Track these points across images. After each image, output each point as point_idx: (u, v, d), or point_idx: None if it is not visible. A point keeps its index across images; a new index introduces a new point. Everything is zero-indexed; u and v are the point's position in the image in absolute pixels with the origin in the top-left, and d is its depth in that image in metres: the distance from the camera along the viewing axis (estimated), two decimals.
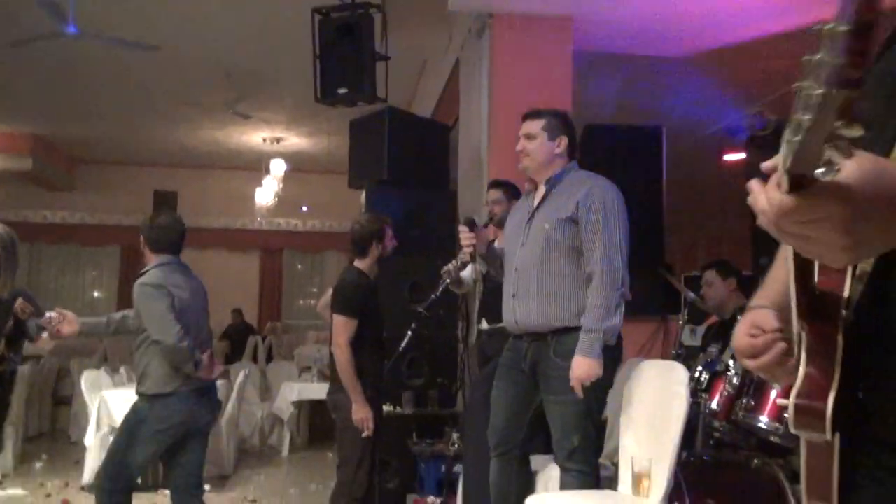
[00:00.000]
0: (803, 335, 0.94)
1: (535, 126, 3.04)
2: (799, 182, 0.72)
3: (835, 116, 0.67)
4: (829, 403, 0.88)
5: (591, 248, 2.86)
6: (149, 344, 3.35)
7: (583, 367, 2.74)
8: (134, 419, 3.41)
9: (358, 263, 3.73)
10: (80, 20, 5.41)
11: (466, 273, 3.91)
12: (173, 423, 3.36)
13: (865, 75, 0.65)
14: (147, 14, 6.21)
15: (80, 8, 5.35)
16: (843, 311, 0.90)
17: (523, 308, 2.94)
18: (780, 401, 0.97)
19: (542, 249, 2.93)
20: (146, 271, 3.54)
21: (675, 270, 5.48)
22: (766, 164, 0.77)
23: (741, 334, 1.04)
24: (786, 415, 2.64)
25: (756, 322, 1.03)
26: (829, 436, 0.89)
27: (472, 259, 3.38)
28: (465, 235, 3.19)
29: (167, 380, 3.33)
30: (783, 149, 0.73)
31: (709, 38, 5.34)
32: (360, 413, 3.49)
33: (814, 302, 0.92)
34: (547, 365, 2.88)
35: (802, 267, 0.90)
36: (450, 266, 3.37)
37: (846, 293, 0.92)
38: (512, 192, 3.82)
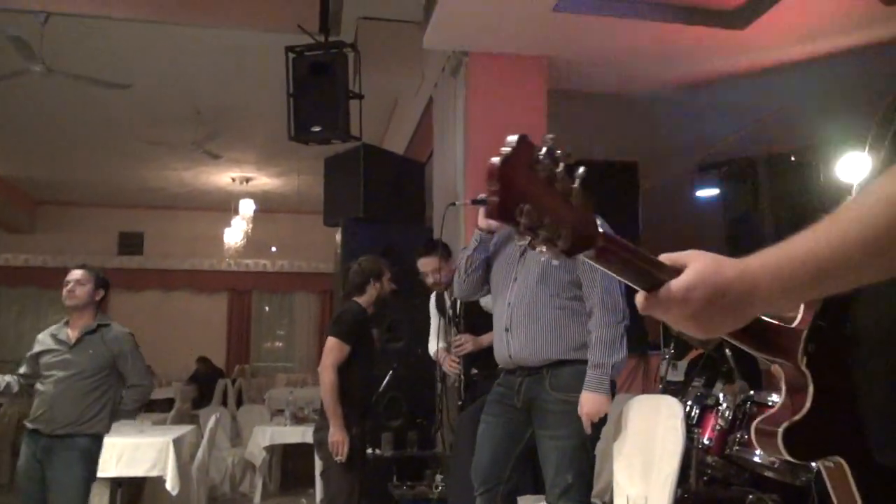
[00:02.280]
0: (781, 368, 1.04)
1: None
2: (647, 288, 0.91)
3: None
4: (781, 429, 0.98)
5: (590, 283, 2.83)
6: (109, 387, 3.62)
7: (591, 403, 2.69)
8: (90, 460, 3.55)
9: (357, 299, 3.75)
10: (49, 57, 5.32)
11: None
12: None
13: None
14: (116, 51, 6.15)
15: (49, 45, 5.27)
16: (802, 345, 1.00)
17: (517, 342, 2.89)
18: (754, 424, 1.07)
19: (537, 282, 2.89)
20: (108, 322, 3.80)
21: None
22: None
23: None
24: (760, 451, 2.62)
25: None
26: (786, 457, 0.99)
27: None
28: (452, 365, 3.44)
29: (105, 421, 3.62)
30: None
31: (680, 76, 5.43)
32: (336, 436, 3.47)
33: (772, 339, 1.02)
34: (543, 399, 2.82)
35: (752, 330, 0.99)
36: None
37: (804, 328, 1.02)
38: (448, 253, 3.82)
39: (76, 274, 3.76)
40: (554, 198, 0.85)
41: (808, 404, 0.97)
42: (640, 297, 0.92)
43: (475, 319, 3.74)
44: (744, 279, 0.90)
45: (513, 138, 0.85)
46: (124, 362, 3.66)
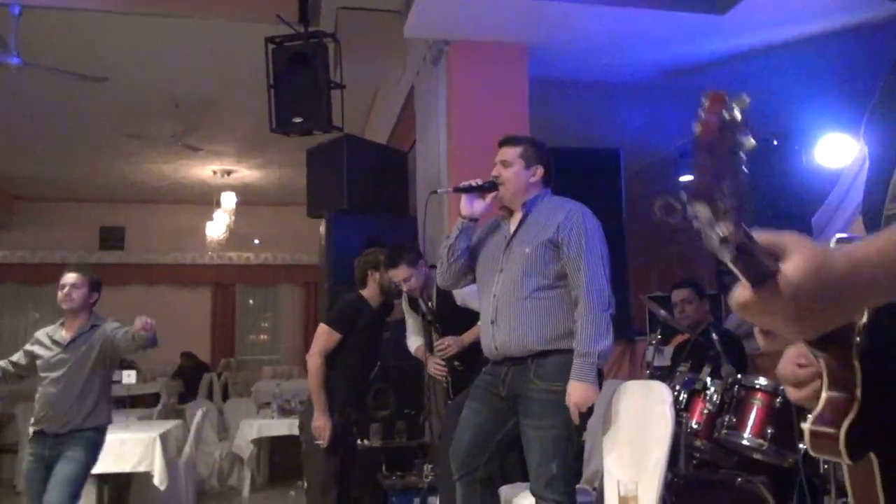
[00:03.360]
0: (822, 363, 0.96)
1: (512, 153, 3.02)
2: (759, 281, 0.78)
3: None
4: (843, 429, 0.90)
5: (576, 272, 2.83)
6: (104, 380, 3.77)
7: (579, 393, 2.70)
8: (95, 446, 3.68)
9: (361, 291, 3.84)
10: (24, 50, 5.23)
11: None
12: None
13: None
14: (93, 44, 6.07)
15: (24, 37, 5.18)
16: (857, 338, 0.92)
17: (503, 333, 2.89)
18: (804, 425, 0.98)
19: (522, 273, 2.89)
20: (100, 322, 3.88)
21: (633, 291, 5.50)
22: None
23: (788, 362, 1.04)
24: (768, 430, 2.64)
25: (803, 352, 1.03)
26: (846, 460, 0.91)
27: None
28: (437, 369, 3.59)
29: (104, 414, 3.75)
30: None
31: (658, 62, 5.44)
32: (319, 420, 3.51)
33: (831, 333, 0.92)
34: (528, 389, 2.83)
35: None
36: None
37: (863, 319, 0.93)
38: (416, 257, 3.81)
39: (71, 278, 3.78)
40: (737, 180, 0.71)
41: (858, 400, 0.91)
42: (745, 294, 0.79)
43: (452, 318, 3.73)
44: (858, 266, 0.81)
45: (716, 104, 0.71)
46: (113, 338, 3.77)
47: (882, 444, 0.91)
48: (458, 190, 3.10)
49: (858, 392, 0.91)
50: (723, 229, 0.71)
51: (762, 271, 0.77)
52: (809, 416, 0.97)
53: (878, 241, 0.83)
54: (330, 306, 3.77)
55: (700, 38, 5.03)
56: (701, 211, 0.70)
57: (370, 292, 3.80)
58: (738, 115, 0.72)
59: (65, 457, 3.63)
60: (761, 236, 0.78)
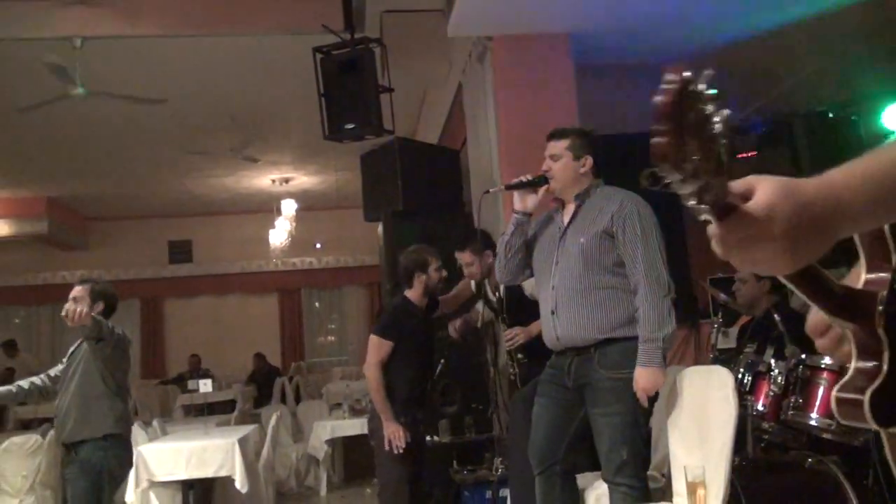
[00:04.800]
0: (850, 332, 0.97)
1: (559, 146, 3.04)
2: (724, 214, 0.81)
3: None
4: (867, 395, 0.92)
5: (633, 259, 2.84)
6: (103, 390, 3.72)
7: (646, 378, 2.72)
8: (90, 469, 3.65)
9: (407, 292, 3.82)
10: (87, 80, 5.48)
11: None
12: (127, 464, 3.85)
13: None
14: (151, 68, 6.29)
15: (86, 68, 5.42)
16: (880, 307, 0.94)
17: (564, 323, 2.93)
18: (833, 393, 1.00)
19: (579, 264, 2.92)
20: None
21: (696, 275, 5.43)
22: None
23: (816, 313, 1.05)
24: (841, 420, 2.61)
25: None
26: (872, 425, 0.93)
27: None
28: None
29: (112, 420, 3.71)
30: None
31: (705, 39, 5.34)
32: (389, 428, 3.54)
33: (847, 302, 0.96)
34: (593, 378, 2.86)
35: (810, 280, 0.92)
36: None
37: (885, 291, 0.95)
38: (482, 246, 3.84)
39: (74, 291, 3.90)
40: (704, 144, 0.76)
41: (885, 368, 0.92)
42: (714, 231, 0.82)
43: (521, 308, 3.76)
44: (827, 191, 0.82)
45: (674, 76, 0.76)
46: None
47: None
48: (510, 187, 3.14)
49: (885, 359, 0.92)
50: (687, 188, 0.76)
51: (727, 208, 0.80)
52: (838, 384, 0.99)
53: (852, 165, 0.84)
54: (378, 314, 3.82)
55: (748, 12, 4.93)
56: (667, 171, 0.76)
57: (415, 293, 3.80)
58: (700, 85, 0.77)
59: (67, 473, 3.79)
60: (735, 183, 0.81)
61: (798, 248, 0.82)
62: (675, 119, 0.75)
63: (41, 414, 6.81)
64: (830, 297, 0.95)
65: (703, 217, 0.81)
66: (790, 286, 0.93)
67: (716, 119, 0.77)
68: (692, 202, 0.78)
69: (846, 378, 0.97)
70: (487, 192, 3.52)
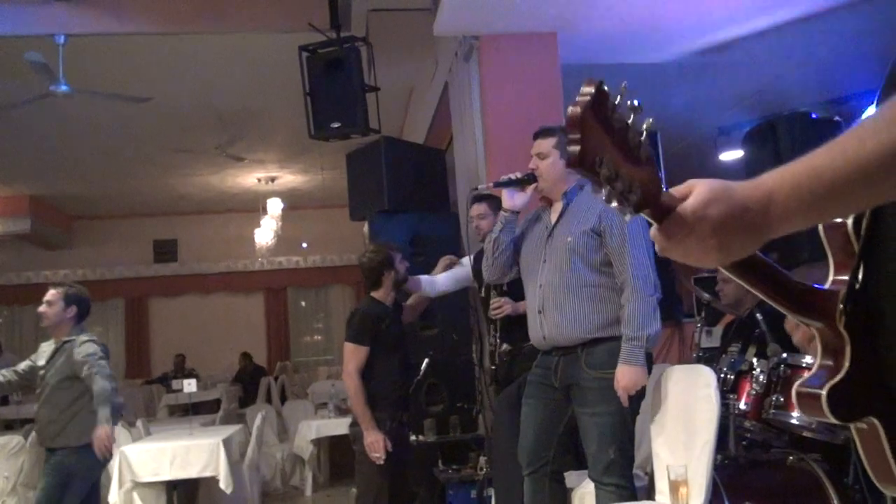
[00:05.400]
0: (816, 332, 1.01)
1: (546, 145, 3.04)
2: (660, 218, 0.89)
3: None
4: (825, 390, 0.96)
5: (620, 258, 2.85)
6: (77, 398, 3.76)
7: (628, 376, 2.73)
8: (62, 472, 3.69)
9: (373, 293, 3.75)
10: (70, 77, 5.44)
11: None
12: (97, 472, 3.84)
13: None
14: (136, 66, 6.26)
15: (70, 66, 5.38)
16: (841, 305, 0.98)
17: (551, 322, 2.92)
18: (794, 387, 1.04)
19: (566, 262, 2.91)
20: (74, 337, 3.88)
21: (680, 274, 5.47)
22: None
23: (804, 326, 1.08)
24: (802, 414, 2.63)
25: None
26: (831, 418, 0.97)
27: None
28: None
29: (89, 431, 3.69)
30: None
31: (692, 40, 5.37)
32: (370, 437, 3.48)
33: (808, 301, 1.00)
34: (579, 377, 2.86)
35: (747, 271, 0.98)
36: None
37: (844, 289, 0.99)
38: (497, 204, 3.81)
39: (47, 294, 3.93)
40: (626, 150, 0.83)
41: (846, 365, 0.96)
42: (653, 231, 0.90)
43: (512, 289, 3.72)
44: (760, 192, 0.88)
45: (589, 88, 0.82)
46: (80, 369, 3.78)
47: (879, 407, 0.95)
48: (498, 185, 3.13)
49: (846, 356, 0.96)
50: (604, 191, 0.84)
51: (664, 210, 0.88)
52: (801, 379, 1.03)
53: (785, 169, 0.89)
54: (348, 321, 3.75)
55: (732, 13, 4.96)
56: (586, 177, 0.83)
57: (383, 292, 3.73)
58: (617, 97, 0.83)
59: (44, 470, 3.83)
60: (677, 188, 0.90)
61: (726, 244, 0.89)
62: (586, 129, 0.81)
63: (23, 415, 6.76)
64: (786, 295, 0.99)
65: (628, 217, 0.89)
66: (733, 277, 0.97)
67: (640, 126, 0.84)
68: (614, 203, 0.85)
69: (810, 374, 1.01)
70: (475, 189, 3.51)
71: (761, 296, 0.99)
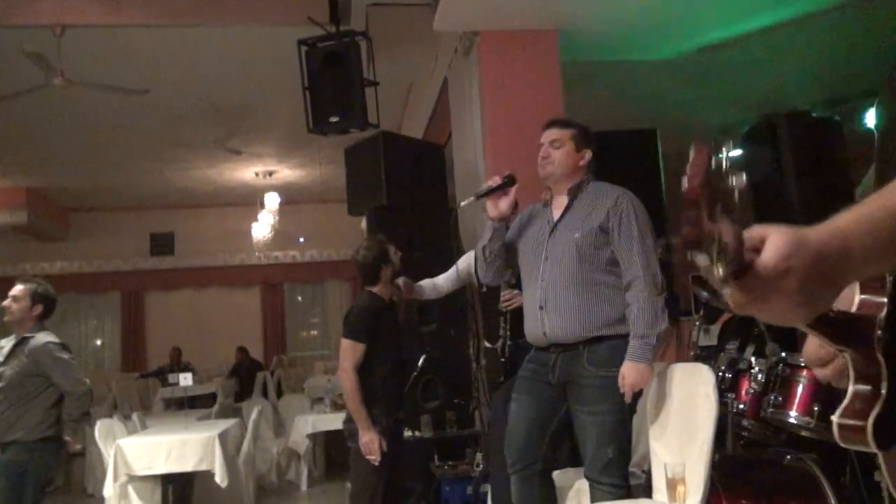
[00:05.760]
0: (847, 357, 0.98)
1: (563, 134, 3.01)
2: (739, 275, 0.80)
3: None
4: (870, 422, 0.93)
5: (628, 256, 2.83)
6: (35, 396, 3.75)
7: (635, 374, 2.72)
8: (14, 471, 3.66)
9: (371, 288, 3.70)
10: (68, 70, 5.41)
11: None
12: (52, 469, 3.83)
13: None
14: (133, 58, 6.23)
15: (67, 57, 5.35)
16: (879, 332, 0.94)
17: (553, 319, 2.89)
18: (832, 418, 1.01)
19: (573, 259, 2.89)
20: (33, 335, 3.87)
21: (677, 272, 5.46)
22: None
23: (811, 343, 1.05)
24: (815, 408, 2.63)
25: None
26: (874, 450, 0.94)
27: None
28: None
29: (46, 424, 3.72)
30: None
31: (692, 38, 5.37)
32: (366, 437, 3.45)
33: (844, 327, 0.96)
34: (580, 374, 2.84)
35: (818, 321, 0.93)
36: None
37: (883, 313, 0.96)
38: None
39: (14, 290, 3.91)
40: (729, 216, 0.77)
41: (884, 393, 0.93)
42: (732, 289, 0.81)
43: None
44: (837, 239, 0.82)
45: (701, 157, 0.76)
46: (51, 372, 3.80)
47: None
48: (480, 196, 3.08)
49: (884, 385, 0.93)
50: (719, 271, 0.77)
51: (741, 265, 0.79)
52: (838, 409, 0.99)
53: (859, 209, 0.84)
54: (346, 317, 3.69)
55: (733, 12, 4.95)
56: (698, 259, 0.77)
57: (381, 287, 3.68)
58: (723, 162, 0.77)
59: None
60: (747, 236, 0.81)
61: (812, 300, 0.82)
62: (702, 202, 0.75)
63: None
64: (828, 324, 0.95)
65: (724, 291, 0.81)
66: (807, 331, 0.93)
67: (737, 191, 0.77)
68: (719, 282, 0.78)
69: (845, 402, 0.98)
70: (460, 206, 3.46)
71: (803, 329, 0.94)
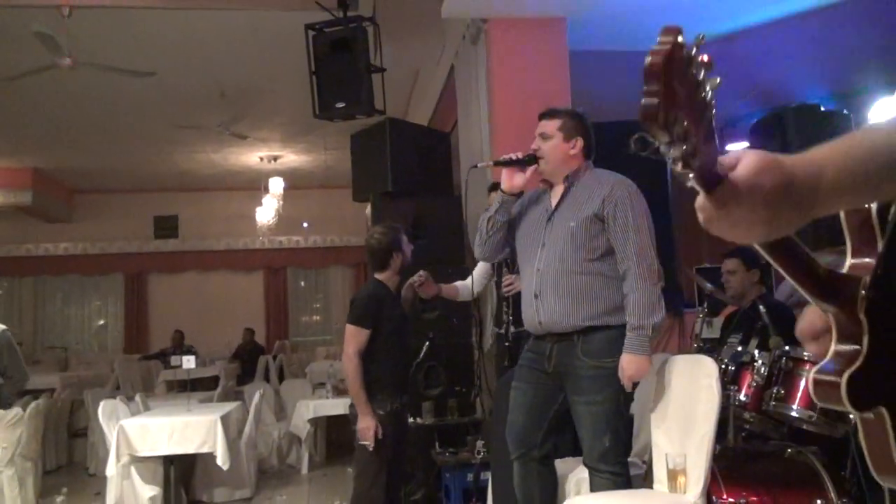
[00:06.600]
0: (831, 316, 0.99)
1: (550, 126, 2.99)
2: (711, 187, 0.83)
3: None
4: (845, 378, 0.93)
5: (623, 245, 2.81)
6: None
7: (634, 366, 2.71)
8: None
9: (378, 275, 3.68)
10: (75, 51, 5.40)
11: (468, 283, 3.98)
12: None
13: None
14: (140, 40, 6.22)
15: (74, 38, 5.34)
16: (863, 292, 0.95)
17: (548, 308, 2.88)
18: (811, 374, 1.02)
19: (567, 247, 2.87)
20: None
21: (681, 264, 5.45)
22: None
23: (806, 319, 1.06)
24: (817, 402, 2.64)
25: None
26: (849, 407, 0.94)
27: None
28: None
29: None
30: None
31: (702, 29, 5.33)
32: (363, 422, 3.45)
33: (831, 286, 0.97)
34: (574, 365, 2.84)
35: (783, 253, 0.94)
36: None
37: (869, 276, 0.97)
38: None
39: None
40: (695, 109, 0.77)
41: (864, 351, 0.94)
42: (701, 201, 0.84)
43: None
44: (810, 167, 0.85)
45: (668, 37, 0.74)
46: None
47: (889, 397, 0.93)
48: (499, 163, 3.07)
49: (865, 343, 0.94)
50: (675, 152, 0.77)
51: (715, 178, 0.82)
52: (817, 365, 1.00)
53: (836, 142, 0.86)
54: (351, 302, 3.69)
55: (743, 2, 4.93)
56: (656, 134, 0.76)
57: (389, 275, 3.66)
58: (692, 50, 0.76)
59: None
60: (723, 157, 0.83)
61: (776, 218, 0.85)
62: (665, 81, 0.74)
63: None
64: (812, 278, 0.96)
65: (690, 184, 0.82)
66: (765, 256, 0.94)
67: (707, 85, 0.77)
68: (679, 167, 0.78)
69: (825, 360, 0.99)
70: (476, 166, 3.47)
71: (788, 277, 0.96)
